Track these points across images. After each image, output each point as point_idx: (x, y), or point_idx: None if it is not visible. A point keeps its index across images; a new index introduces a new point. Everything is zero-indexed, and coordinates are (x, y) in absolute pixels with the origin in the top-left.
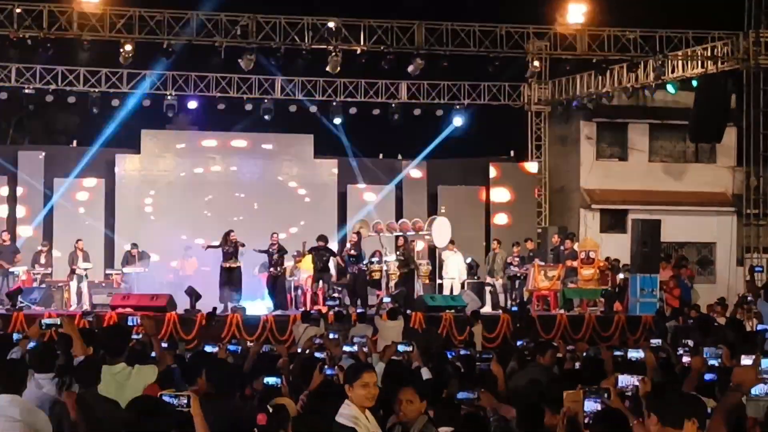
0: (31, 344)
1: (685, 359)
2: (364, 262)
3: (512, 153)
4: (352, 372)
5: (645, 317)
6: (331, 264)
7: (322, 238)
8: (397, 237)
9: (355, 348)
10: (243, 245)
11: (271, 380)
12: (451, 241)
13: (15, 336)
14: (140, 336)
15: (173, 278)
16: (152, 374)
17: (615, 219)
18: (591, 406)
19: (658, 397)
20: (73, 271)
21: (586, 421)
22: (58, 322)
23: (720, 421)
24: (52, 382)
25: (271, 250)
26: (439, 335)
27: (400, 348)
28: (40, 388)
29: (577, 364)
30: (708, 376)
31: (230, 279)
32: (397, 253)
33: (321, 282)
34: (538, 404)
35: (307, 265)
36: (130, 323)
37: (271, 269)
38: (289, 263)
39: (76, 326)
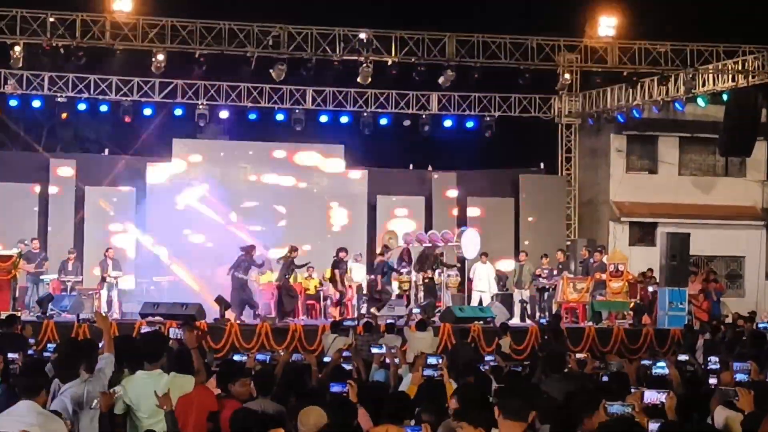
0: None
1: (714, 374)
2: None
3: (542, 165)
4: None
5: (673, 330)
6: (361, 273)
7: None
8: (426, 248)
9: (383, 350)
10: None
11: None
12: (484, 254)
13: None
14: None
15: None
16: (189, 384)
17: (644, 232)
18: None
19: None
20: (103, 279)
21: None
22: (92, 316)
23: None
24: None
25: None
26: (470, 348)
27: (430, 360)
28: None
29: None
30: None
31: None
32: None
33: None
34: (574, 414)
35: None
36: (172, 336)
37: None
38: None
39: (109, 323)
